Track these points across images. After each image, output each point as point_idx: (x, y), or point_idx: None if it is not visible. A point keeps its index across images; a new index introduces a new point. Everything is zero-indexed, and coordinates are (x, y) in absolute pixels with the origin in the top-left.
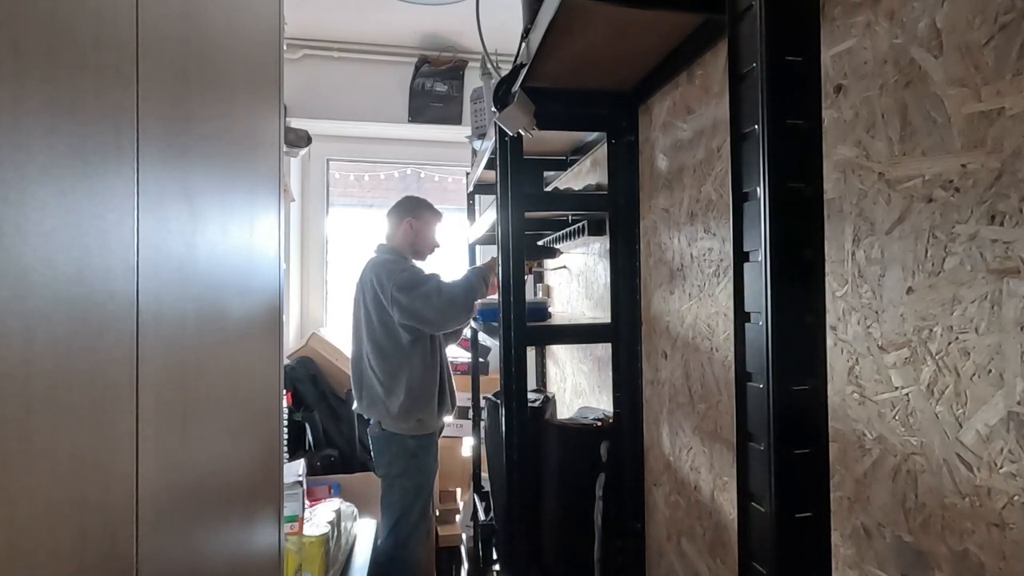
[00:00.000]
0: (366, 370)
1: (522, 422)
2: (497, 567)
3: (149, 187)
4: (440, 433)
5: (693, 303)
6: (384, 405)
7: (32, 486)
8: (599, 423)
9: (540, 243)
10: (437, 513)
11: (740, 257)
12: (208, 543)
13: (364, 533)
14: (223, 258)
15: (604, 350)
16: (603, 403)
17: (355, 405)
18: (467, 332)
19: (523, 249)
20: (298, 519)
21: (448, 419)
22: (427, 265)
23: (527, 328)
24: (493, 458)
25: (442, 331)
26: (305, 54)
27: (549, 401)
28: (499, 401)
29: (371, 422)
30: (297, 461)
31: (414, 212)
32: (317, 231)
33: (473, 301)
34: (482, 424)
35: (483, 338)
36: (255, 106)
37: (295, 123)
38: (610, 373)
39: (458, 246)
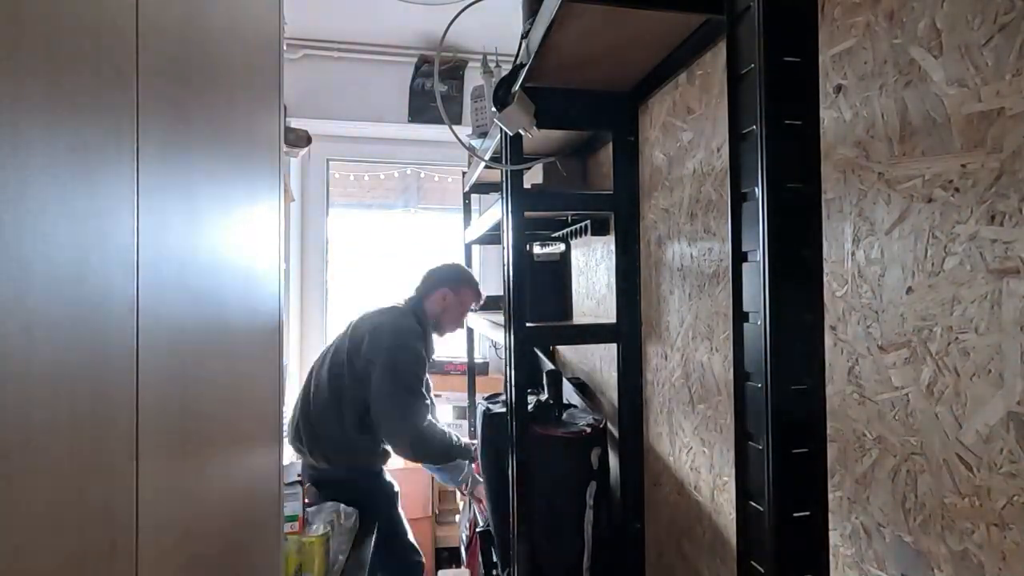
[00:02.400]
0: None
1: (517, 428)
2: (496, 571)
3: (149, 187)
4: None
5: (693, 303)
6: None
7: (33, 486)
8: (588, 429)
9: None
10: (436, 512)
11: (739, 257)
12: (208, 541)
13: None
14: (223, 258)
15: (606, 350)
16: (603, 403)
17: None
18: (463, 331)
19: (524, 248)
20: (298, 519)
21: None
22: (441, 340)
23: (529, 328)
24: (486, 463)
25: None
26: (305, 54)
27: (546, 406)
28: (489, 405)
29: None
30: (297, 461)
31: (454, 286)
32: (317, 231)
33: (440, 461)
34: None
35: (482, 335)
36: (255, 106)
37: (295, 123)
38: (611, 373)
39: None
